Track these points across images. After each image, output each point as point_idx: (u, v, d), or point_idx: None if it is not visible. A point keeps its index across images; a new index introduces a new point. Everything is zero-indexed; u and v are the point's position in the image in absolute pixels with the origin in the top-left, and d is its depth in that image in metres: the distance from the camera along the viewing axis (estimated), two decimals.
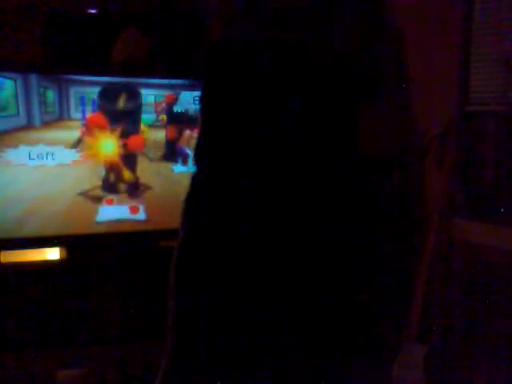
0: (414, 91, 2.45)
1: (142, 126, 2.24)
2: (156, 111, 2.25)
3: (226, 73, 1.31)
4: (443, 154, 2.27)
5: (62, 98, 2.12)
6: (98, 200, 2.17)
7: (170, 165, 2.27)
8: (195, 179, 1.38)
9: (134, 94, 2.21)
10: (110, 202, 2.20)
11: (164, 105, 2.25)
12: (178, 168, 2.28)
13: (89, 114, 2.16)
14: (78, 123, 2.15)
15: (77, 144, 2.14)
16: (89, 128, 2.15)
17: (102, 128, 2.16)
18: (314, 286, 1.35)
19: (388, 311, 2.36)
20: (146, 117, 2.25)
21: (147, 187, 2.25)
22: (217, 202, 1.32)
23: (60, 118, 2.13)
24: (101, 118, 2.17)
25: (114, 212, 2.22)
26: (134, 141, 2.22)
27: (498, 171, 2.25)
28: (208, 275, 1.32)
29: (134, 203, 2.23)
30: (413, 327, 2.16)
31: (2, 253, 2.10)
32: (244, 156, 1.29)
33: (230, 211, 1.30)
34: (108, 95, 2.18)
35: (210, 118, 1.36)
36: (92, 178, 2.17)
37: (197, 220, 1.35)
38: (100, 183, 2.18)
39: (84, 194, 2.16)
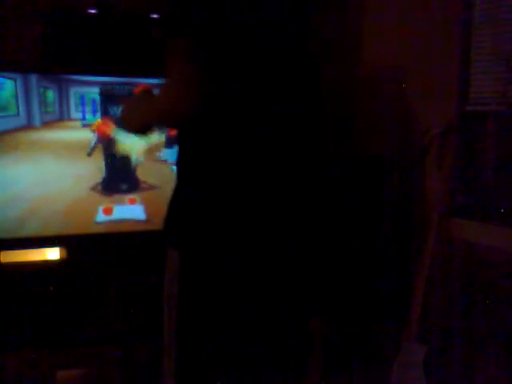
0: (415, 91, 2.46)
1: None
2: None
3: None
4: (443, 154, 2.27)
5: (62, 98, 2.12)
6: (100, 196, 2.18)
7: (170, 165, 2.27)
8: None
9: None
10: (109, 212, 2.21)
11: None
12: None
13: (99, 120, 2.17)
14: (78, 123, 2.15)
15: (92, 151, 2.16)
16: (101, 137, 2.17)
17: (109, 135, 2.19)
18: (314, 287, 1.35)
19: (388, 311, 2.36)
20: None
21: (147, 187, 2.26)
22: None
23: (60, 118, 2.13)
24: (108, 125, 2.18)
25: (115, 212, 2.22)
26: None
27: (498, 171, 2.25)
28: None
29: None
30: (413, 327, 2.16)
31: (2, 253, 2.10)
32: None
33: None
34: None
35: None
36: (93, 175, 2.18)
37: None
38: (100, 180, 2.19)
39: (91, 189, 2.17)
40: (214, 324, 1.30)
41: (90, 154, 2.16)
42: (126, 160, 2.25)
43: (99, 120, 2.17)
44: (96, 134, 2.16)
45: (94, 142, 2.15)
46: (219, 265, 1.29)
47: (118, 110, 2.20)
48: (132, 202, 2.25)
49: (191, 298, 1.30)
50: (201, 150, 1.29)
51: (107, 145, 2.19)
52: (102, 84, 2.17)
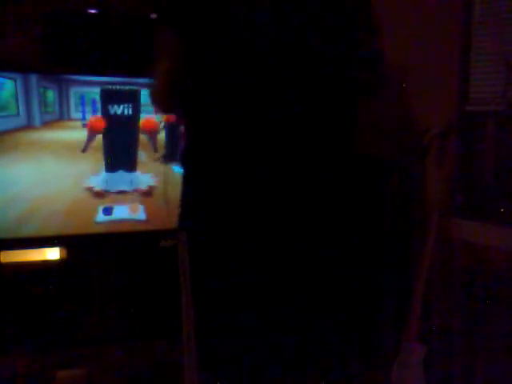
0: (414, 91, 2.46)
1: None
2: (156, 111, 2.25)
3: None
4: (443, 154, 2.27)
5: (62, 98, 2.12)
6: (100, 196, 2.18)
7: (170, 165, 2.27)
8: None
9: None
10: (109, 212, 2.21)
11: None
12: (179, 168, 2.28)
13: (90, 116, 2.17)
14: (78, 123, 2.15)
15: (86, 147, 2.15)
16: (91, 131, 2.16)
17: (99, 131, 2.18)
18: (314, 287, 1.35)
19: (388, 312, 2.36)
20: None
21: (147, 187, 2.26)
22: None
23: (60, 118, 2.13)
24: (100, 121, 2.17)
25: (115, 212, 2.22)
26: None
27: (498, 171, 2.25)
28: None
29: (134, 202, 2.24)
30: (413, 327, 2.16)
31: (2, 253, 2.10)
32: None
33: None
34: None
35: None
36: (93, 175, 2.18)
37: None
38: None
39: (88, 190, 2.17)
40: (222, 317, 1.30)
41: (84, 150, 2.16)
42: (126, 158, 2.25)
43: (91, 118, 2.18)
44: (87, 129, 2.16)
45: (86, 137, 2.16)
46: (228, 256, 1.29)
47: (118, 110, 2.20)
48: (134, 209, 2.25)
49: (205, 287, 1.30)
50: (208, 146, 1.30)
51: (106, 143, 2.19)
52: (102, 84, 2.17)
